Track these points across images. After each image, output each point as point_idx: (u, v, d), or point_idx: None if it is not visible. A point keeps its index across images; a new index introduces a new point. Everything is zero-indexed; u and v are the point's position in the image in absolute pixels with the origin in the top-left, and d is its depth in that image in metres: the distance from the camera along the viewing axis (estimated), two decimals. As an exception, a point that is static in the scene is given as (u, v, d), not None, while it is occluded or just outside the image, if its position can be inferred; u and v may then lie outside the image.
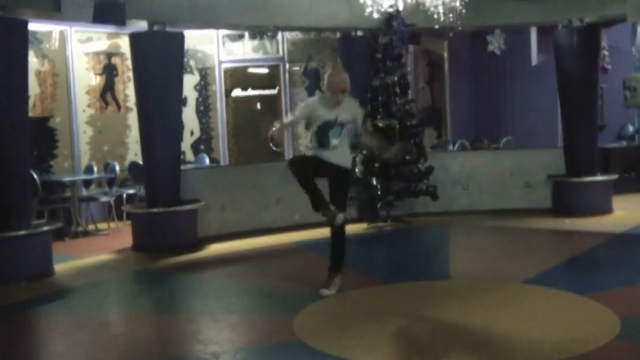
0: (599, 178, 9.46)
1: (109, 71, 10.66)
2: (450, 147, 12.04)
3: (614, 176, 9.68)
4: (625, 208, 9.39)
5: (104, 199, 9.64)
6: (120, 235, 9.04)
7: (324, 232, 8.65)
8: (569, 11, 9.15)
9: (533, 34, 12.19)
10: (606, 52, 11.04)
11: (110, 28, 9.86)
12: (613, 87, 11.82)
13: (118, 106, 10.74)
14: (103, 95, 10.58)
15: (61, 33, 10.03)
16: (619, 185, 9.81)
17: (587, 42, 9.24)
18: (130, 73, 9.30)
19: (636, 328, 4.58)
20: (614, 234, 8.01)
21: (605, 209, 9.29)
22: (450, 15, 8.37)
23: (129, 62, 9.50)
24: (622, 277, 6.02)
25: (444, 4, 8.16)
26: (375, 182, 8.87)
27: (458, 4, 8.13)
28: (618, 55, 11.80)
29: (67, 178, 9.29)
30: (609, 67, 11.38)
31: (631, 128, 12.08)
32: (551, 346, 4.30)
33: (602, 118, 11.25)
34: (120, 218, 9.71)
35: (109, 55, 10.65)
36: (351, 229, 8.77)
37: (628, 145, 11.78)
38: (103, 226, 9.68)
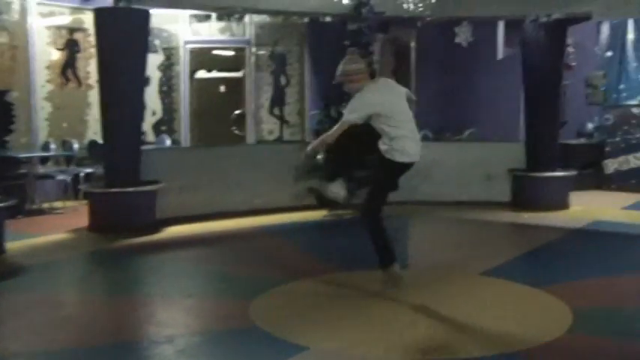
0: (558, 173, 9.58)
1: (71, 47, 10.43)
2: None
3: (573, 172, 9.81)
4: (582, 204, 9.52)
5: (61, 177, 9.46)
6: (76, 215, 8.85)
7: (284, 217, 8.76)
8: (538, 6, 9.22)
9: (501, 27, 12.28)
10: (571, 49, 11.15)
11: (74, 3, 9.65)
12: (575, 84, 11.97)
13: (79, 83, 10.52)
14: (63, 71, 10.35)
15: (22, 5, 9.77)
16: (577, 181, 9.95)
17: (553, 38, 9.32)
18: (93, 50, 9.10)
19: (587, 320, 4.66)
20: (571, 229, 8.12)
21: (563, 204, 9.40)
22: (420, 5, 8.37)
23: (91, 38, 9.30)
24: (576, 271, 6.12)
25: (414, -7, 8.17)
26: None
27: (428, -6, 8.15)
28: (582, 54, 11.94)
29: (23, 155, 9.07)
30: (574, 64, 11.50)
31: (590, 126, 12.25)
32: (506, 337, 4.35)
33: (563, 114, 11.38)
34: (76, 197, 9.53)
35: (72, 30, 10.41)
36: (311, 216, 8.83)
37: (587, 142, 11.95)
38: (58, 204, 9.49)
